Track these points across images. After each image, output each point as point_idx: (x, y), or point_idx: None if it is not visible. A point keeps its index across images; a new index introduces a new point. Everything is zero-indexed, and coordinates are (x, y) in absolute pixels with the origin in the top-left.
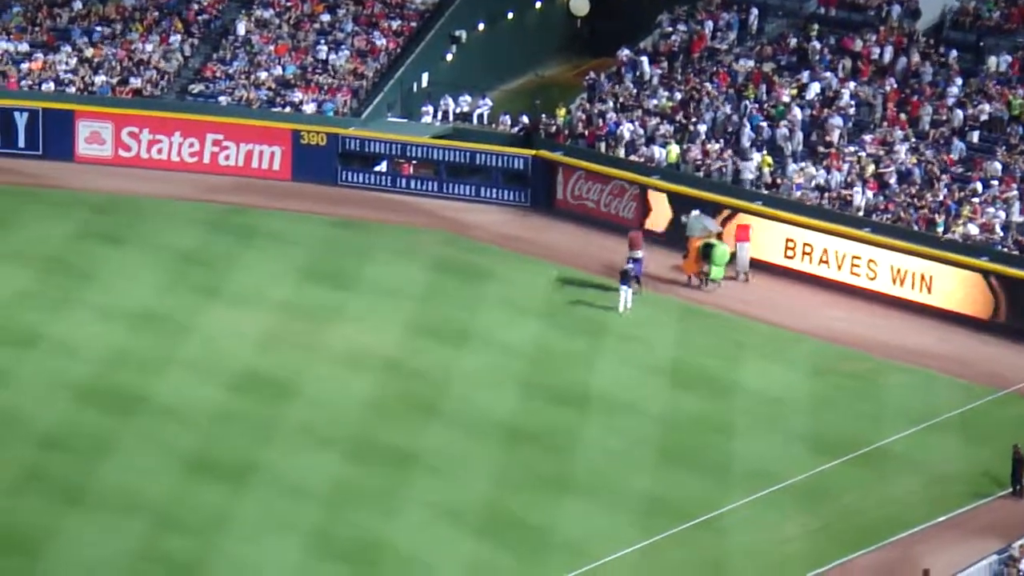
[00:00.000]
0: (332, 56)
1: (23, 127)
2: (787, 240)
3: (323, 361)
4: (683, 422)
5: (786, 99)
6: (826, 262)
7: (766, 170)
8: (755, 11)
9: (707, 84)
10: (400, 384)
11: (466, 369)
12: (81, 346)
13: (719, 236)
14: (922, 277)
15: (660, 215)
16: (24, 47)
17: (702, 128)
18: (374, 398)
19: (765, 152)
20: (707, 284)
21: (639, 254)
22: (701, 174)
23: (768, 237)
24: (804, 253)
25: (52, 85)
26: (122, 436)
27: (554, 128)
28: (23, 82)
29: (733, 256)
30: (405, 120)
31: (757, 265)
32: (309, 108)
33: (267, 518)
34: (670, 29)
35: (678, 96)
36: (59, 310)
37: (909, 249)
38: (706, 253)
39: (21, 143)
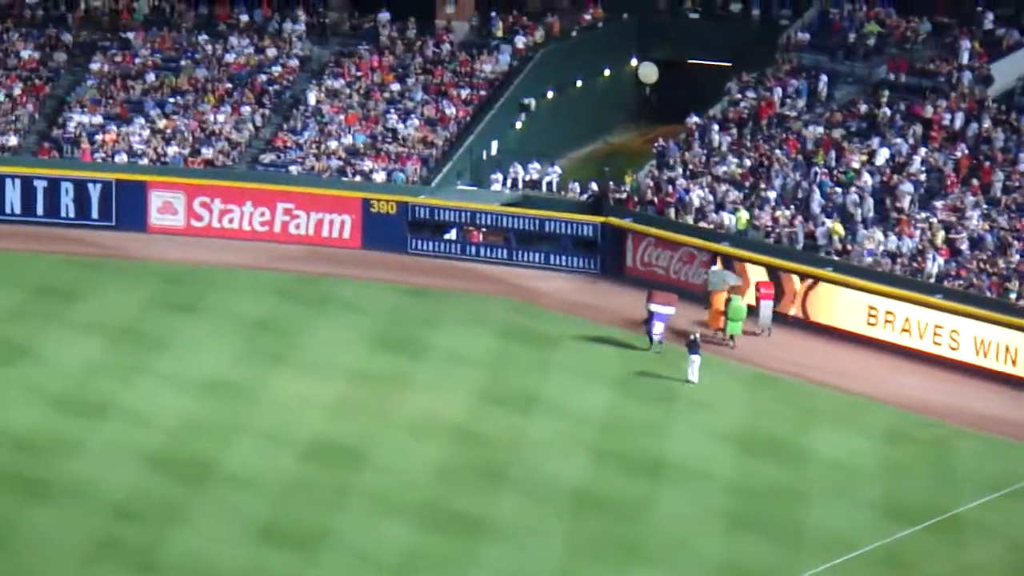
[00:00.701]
0: (401, 125)
1: (97, 199)
2: (869, 308)
3: (393, 429)
4: (755, 489)
5: (856, 165)
6: (908, 331)
7: (836, 237)
8: (824, 77)
9: (776, 151)
10: (470, 452)
11: (536, 437)
12: (153, 415)
13: (740, 290)
14: (1006, 348)
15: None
16: (98, 119)
17: (771, 194)
18: (444, 466)
19: (836, 218)
20: (729, 340)
21: (657, 307)
22: (771, 240)
23: (847, 304)
24: (886, 321)
25: (125, 156)
26: (194, 505)
27: (623, 195)
28: (97, 154)
29: (751, 311)
30: (475, 188)
31: (836, 333)
32: (379, 177)
33: None
34: (739, 96)
35: (747, 162)
36: (131, 379)
37: (987, 317)
38: (725, 307)
39: (95, 214)
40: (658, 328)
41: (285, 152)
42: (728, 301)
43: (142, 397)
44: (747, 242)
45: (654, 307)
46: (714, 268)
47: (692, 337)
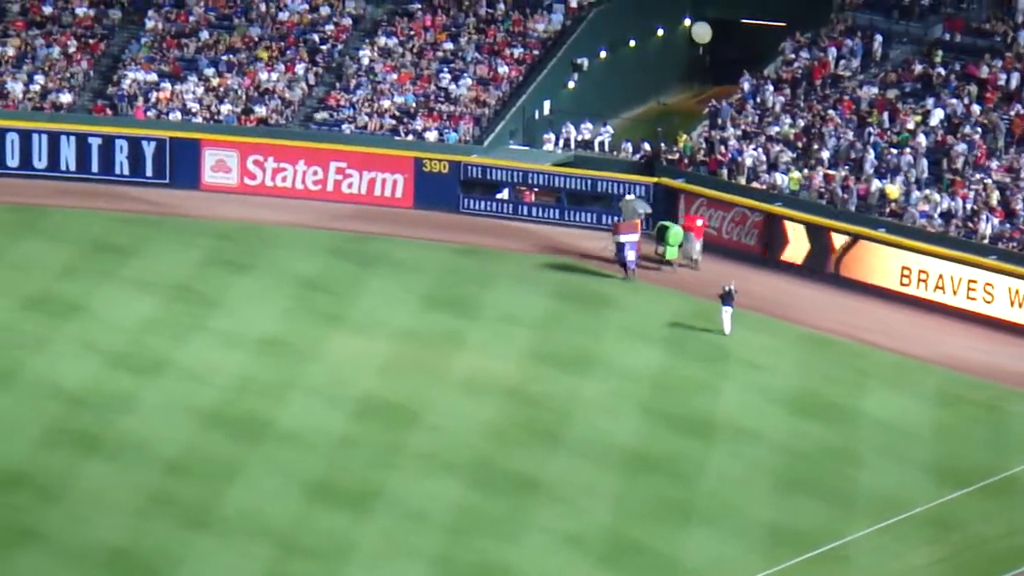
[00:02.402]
0: (454, 85)
1: (151, 156)
2: (903, 268)
3: (445, 388)
4: (806, 450)
5: (910, 126)
6: (942, 288)
7: (890, 197)
8: (879, 37)
9: (830, 111)
10: (521, 411)
11: (587, 396)
12: (206, 372)
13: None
14: None
15: (799, 246)
16: (152, 77)
17: (825, 155)
18: (496, 425)
19: (889, 179)
20: (666, 264)
21: (625, 238)
22: (824, 201)
23: (884, 264)
24: (920, 280)
25: (179, 114)
26: (247, 461)
27: (675, 155)
28: (150, 112)
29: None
30: (527, 148)
31: (874, 291)
32: (431, 136)
33: (390, 544)
34: (793, 56)
35: (801, 123)
36: (185, 337)
37: None
38: (661, 235)
39: (149, 172)
40: (631, 256)
41: (338, 111)
42: (666, 228)
43: (196, 354)
44: (799, 202)
45: (622, 238)
46: (627, 197)
47: (726, 288)
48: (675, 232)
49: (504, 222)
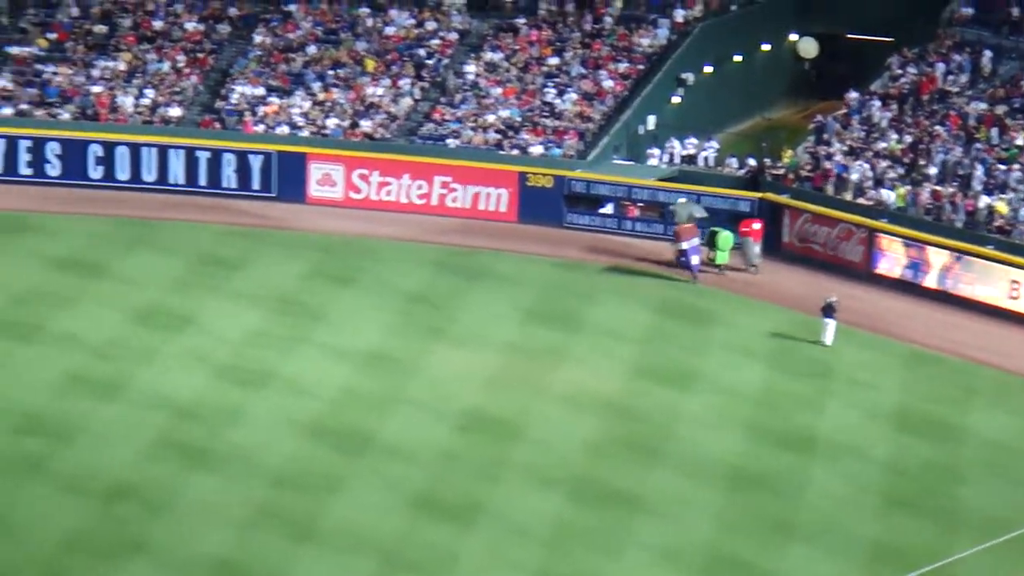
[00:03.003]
0: (559, 99)
1: (258, 170)
2: (1012, 283)
3: (547, 402)
4: (910, 468)
5: (1019, 142)
6: None
7: (999, 213)
8: (988, 53)
9: (937, 127)
10: (623, 426)
11: (690, 412)
12: (312, 385)
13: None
14: None
15: (903, 262)
16: (260, 91)
17: (932, 171)
18: (597, 439)
19: (997, 196)
20: (717, 270)
21: (687, 244)
22: (931, 217)
23: (992, 280)
24: None
25: (286, 128)
26: (351, 474)
27: (780, 171)
28: (258, 126)
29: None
30: (631, 162)
31: (981, 308)
32: (536, 150)
33: (492, 557)
34: (900, 71)
35: (907, 139)
36: (291, 350)
37: None
38: (711, 240)
39: (256, 185)
40: (695, 260)
41: (443, 125)
42: (716, 233)
43: (301, 367)
44: (906, 218)
45: (684, 244)
46: (680, 200)
47: (829, 301)
48: (725, 237)
49: (608, 237)
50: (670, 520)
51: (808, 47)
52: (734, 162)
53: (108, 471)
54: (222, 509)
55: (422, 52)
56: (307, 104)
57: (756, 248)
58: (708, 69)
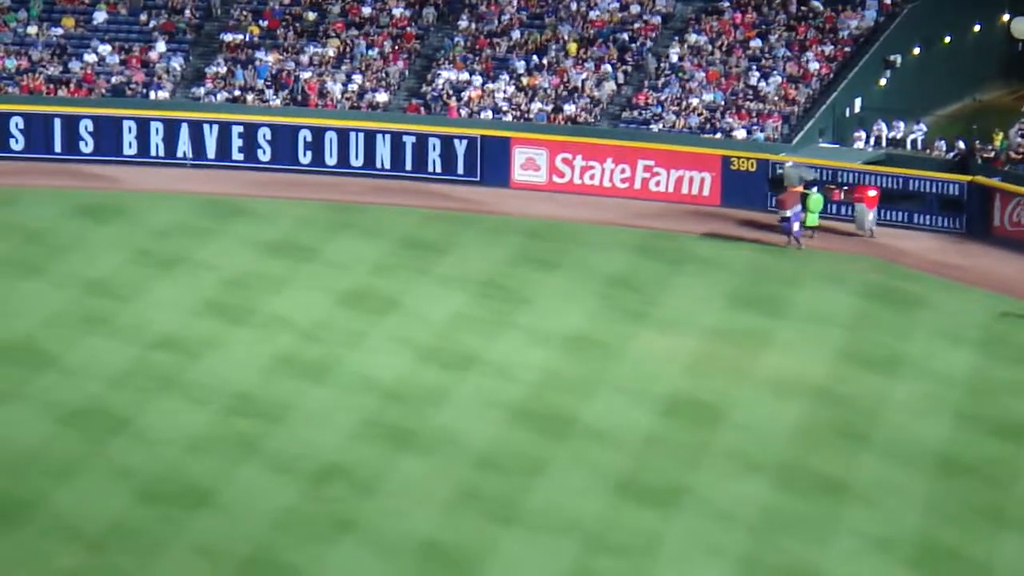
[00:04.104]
0: (763, 82)
1: (462, 154)
2: None
3: (751, 387)
4: None
5: None
6: None
7: None
8: None
9: None
10: (830, 412)
11: (898, 398)
12: (515, 368)
13: (814, 184)
14: None
15: None
16: (464, 76)
17: None
18: (803, 425)
19: None
20: (809, 232)
21: (790, 211)
22: None
23: None
24: None
25: (490, 113)
26: (554, 457)
27: (991, 154)
28: (462, 110)
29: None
30: (837, 146)
31: None
32: (739, 134)
33: (695, 542)
34: None
35: None
36: (494, 333)
37: None
38: (802, 201)
39: (460, 170)
40: (796, 227)
41: (646, 109)
42: (806, 195)
43: (504, 350)
44: None
45: (788, 212)
46: (789, 163)
47: None
48: (815, 199)
49: None
50: (879, 508)
51: (1022, 27)
52: (943, 145)
53: (317, 452)
54: (427, 490)
55: (625, 36)
56: (511, 89)
57: (870, 215)
58: (916, 50)
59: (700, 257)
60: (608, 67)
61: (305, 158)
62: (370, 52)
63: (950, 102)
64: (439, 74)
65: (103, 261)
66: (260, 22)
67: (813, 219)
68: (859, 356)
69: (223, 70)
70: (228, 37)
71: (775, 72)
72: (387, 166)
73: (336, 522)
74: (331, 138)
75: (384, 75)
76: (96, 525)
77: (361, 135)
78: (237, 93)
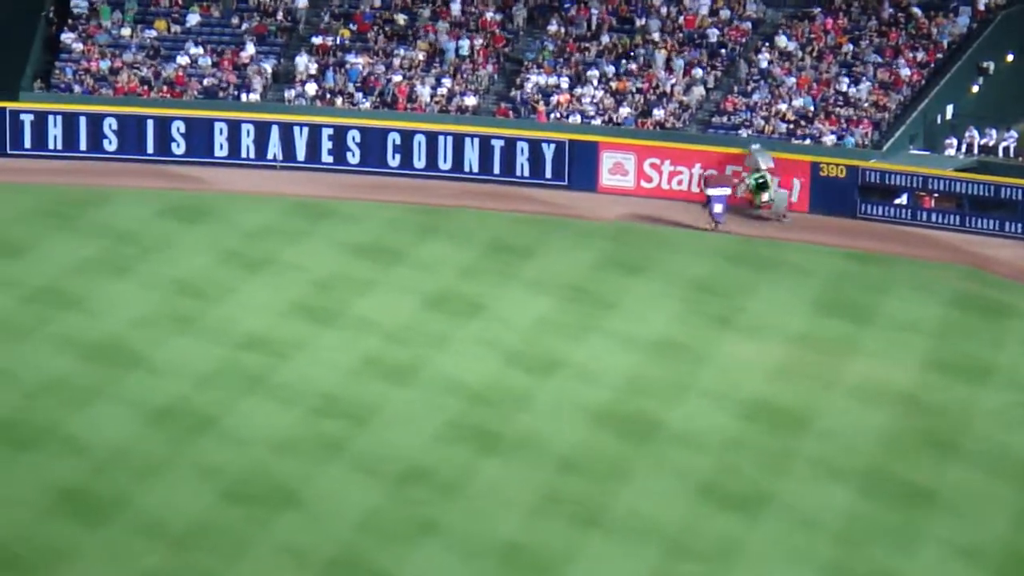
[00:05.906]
0: (853, 88)
1: (550, 158)
2: None
3: (837, 394)
4: None
5: None
6: None
7: None
8: None
9: None
10: (917, 420)
11: (987, 407)
12: (599, 372)
13: (770, 171)
14: None
15: None
16: (553, 80)
17: None
18: (890, 433)
19: None
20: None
21: (713, 191)
22: None
23: None
24: None
25: (579, 117)
26: (637, 461)
27: None
28: (551, 115)
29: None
30: (928, 153)
31: None
32: (829, 140)
33: (779, 549)
34: None
35: None
36: (579, 337)
37: None
38: (761, 186)
39: (548, 174)
40: (717, 208)
41: (735, 114)
42: (744, 179)
43: (589, 354)
44: None
45: (710, 191)
46: (754, 147)
47: None
48: (756, 184)
49: (902, 228)
50: (967, 517)
51: None
52: None
53: (402, 453)
54: (511, 493)
55: (715, 40)
56: (599, 93)
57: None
58: (1009, 57)
59: (787, 263)
60: (698, 72)
61: (394, 161)
62: (460, 56)
63: None
64: (528, 78)
65: (192, 262)
66: (351, 26)
67: (762, 198)
68: (947, 364)
69: (313, 69)
70: (318, 40)
71: (865, 78)
72: (475, 170)
73: (420, 524)
74: (420, 141)
75: (474, 79)
76: (181, 524)
77: (450, 138)
78: (327, 96)
